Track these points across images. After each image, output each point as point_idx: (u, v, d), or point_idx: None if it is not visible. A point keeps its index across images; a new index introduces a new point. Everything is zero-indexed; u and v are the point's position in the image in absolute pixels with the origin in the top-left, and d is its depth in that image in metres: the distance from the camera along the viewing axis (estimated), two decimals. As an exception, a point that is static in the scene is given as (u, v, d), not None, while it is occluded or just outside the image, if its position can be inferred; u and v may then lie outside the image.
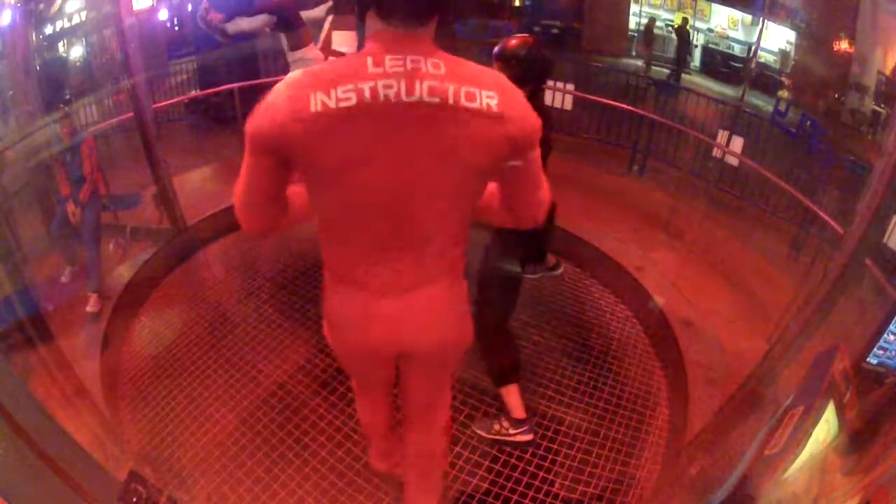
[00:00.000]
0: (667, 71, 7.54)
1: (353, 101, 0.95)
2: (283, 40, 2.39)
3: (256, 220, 1.14)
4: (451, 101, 0.96)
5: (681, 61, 7.29)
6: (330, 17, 2.59)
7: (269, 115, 0.98)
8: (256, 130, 1.00)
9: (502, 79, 1.03)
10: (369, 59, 0.97)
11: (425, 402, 1.53)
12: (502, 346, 2.22)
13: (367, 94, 0.95)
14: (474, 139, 1.00)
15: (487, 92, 0.98)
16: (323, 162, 1.00)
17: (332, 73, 0.98)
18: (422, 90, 0.96)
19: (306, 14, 2.56)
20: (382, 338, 1.26)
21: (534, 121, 1.04)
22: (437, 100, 0.96)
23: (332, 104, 0.95)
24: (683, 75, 7.48)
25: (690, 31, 7.30)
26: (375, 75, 0.96)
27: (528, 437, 2.24)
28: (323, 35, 2.58)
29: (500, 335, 2.22)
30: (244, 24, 2.35)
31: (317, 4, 2.60)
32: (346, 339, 1.33)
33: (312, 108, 0.95)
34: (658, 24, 8.01)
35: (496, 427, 2.27)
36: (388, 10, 0.97)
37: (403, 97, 0.96)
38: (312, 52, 2.41)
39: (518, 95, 1.03)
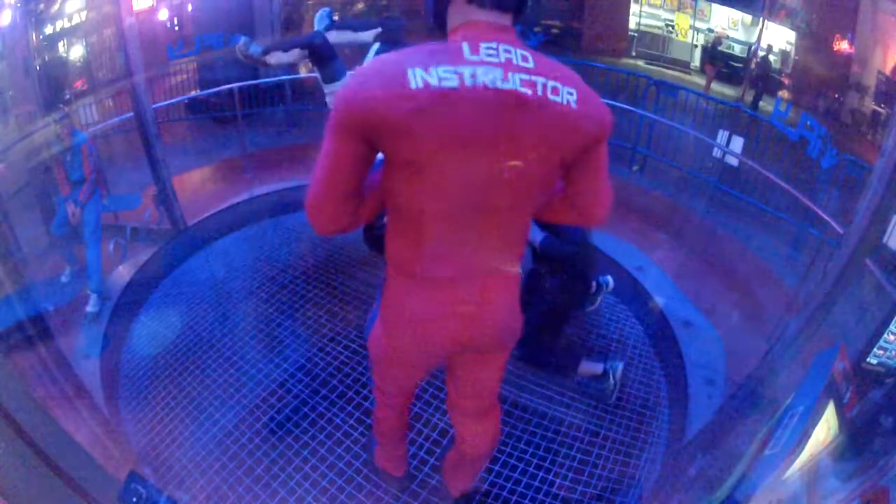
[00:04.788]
0: (670, 72, 7.52)
1: (456, 83, 0.93)
2: (317, 73, 2.37)
3: (335, 218, 1.05)
4: (539, 93, 0.97)
5: (760, 86, 6.76)
6: (376, 45, 2.51)
7: (363, 91, 0.92)
8: (348, 108, 0.94)
9: (577, 76, 1.03)
10: (465, 45, 0.96)
11: (495, 386, 1.53)
12: (555, 357, 2.44)
13: (468, 78, 0.93)
14: (558, 132, 1.01)
15: (568, 88, 1.00)
16: (419, 145, 0.96)
17: (427, 54, 0.95)
18: (515, 80, 0.96)
19: (353, 36, 2.54)
20: (460, 330, 1.22)
21: (607, 116, 1.05)
22: (528, 91, 0.96)
23: (433, 82, 0.92)
24: (683, 75, 7.49)
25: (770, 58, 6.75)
26: (473, 62, 0.95)
27: (621, 365, 2.44)
28: (367, 61, 2.53)
29: (547, 353, 2.44)
30: (283, 57, 2.40)
31: (366, 28, 2.57)
32: (416, 336, 1.25)
33: (413, 85, 0.91)
34: (658, 24, 8.00)
35: (611, 393, 2.43)
36: None
37: (500, 85, 0.95)
38: None
39: (592, 92, 1.04)
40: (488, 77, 0.94)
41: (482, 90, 0.94)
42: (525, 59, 0.98)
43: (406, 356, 1.35)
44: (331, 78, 2.32)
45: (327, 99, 2.42)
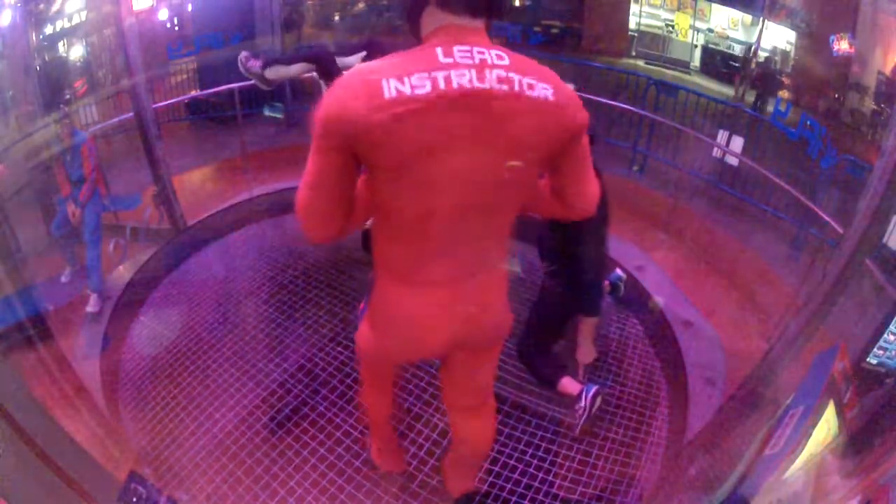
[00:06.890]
0: (669, 71, 7.53)
1: (428, 89, 0.95)
2: (322, 86, 2.40)
3: (326, 227, 1.08)
4: (516, 89, 0.98)
5: (764, 93, 6.71)
6: None
7: (340, 103, 0.95)
8: (327, 120, 0.97)
9: (553, 73, 1.05)
10: (438, 50, 0.97)
11: (489, 382, 1.53)
12: (544, 363, 2.33)
13: (441, 82, 0.95)
14: (536, 127, 1.02)
15: (544, 84, 1.01)
16: (396, 152, 0.98)
17: (402, 62, 0.97)
18: (491, 78, 0.97)
19: (341, 61, 2.53)
20: (447, 329, 1.24)
21: (583, 111, 1.07)
22: (505, 88, 0.98)
23: (406, 91, 0.94)
24: (683, 75, 7.50)
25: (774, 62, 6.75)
26: (447, 65, 0.96)
27: (594, 388, 2.24)
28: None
29: (541, 356, 2.34)
30: (282, 71, 2.40)
31: (351, 52, 2.54)
32: (404, 337, 1.28)
33: (386, 95, 0.93)
34: (658, 24, 8.00)
35: (579, 418, 2.25)
36: (452, 1, 0.99)
37: (476, 84, 0.96)
38: None
39: (568, 88, 1.05)
40: (463, 79, 0.96)
41: (456, 93, 0.95)
42: (500, 57, 0.99)
43: (393, 355, 1.37)
44: None
45: None
